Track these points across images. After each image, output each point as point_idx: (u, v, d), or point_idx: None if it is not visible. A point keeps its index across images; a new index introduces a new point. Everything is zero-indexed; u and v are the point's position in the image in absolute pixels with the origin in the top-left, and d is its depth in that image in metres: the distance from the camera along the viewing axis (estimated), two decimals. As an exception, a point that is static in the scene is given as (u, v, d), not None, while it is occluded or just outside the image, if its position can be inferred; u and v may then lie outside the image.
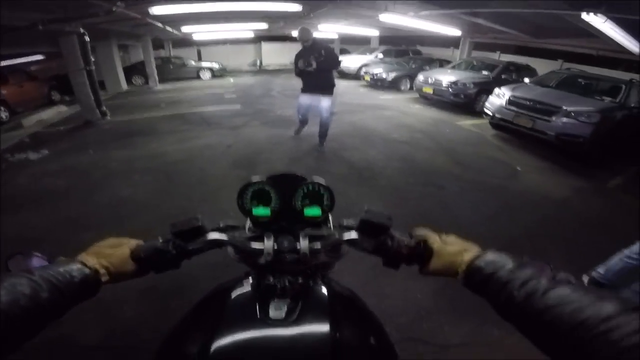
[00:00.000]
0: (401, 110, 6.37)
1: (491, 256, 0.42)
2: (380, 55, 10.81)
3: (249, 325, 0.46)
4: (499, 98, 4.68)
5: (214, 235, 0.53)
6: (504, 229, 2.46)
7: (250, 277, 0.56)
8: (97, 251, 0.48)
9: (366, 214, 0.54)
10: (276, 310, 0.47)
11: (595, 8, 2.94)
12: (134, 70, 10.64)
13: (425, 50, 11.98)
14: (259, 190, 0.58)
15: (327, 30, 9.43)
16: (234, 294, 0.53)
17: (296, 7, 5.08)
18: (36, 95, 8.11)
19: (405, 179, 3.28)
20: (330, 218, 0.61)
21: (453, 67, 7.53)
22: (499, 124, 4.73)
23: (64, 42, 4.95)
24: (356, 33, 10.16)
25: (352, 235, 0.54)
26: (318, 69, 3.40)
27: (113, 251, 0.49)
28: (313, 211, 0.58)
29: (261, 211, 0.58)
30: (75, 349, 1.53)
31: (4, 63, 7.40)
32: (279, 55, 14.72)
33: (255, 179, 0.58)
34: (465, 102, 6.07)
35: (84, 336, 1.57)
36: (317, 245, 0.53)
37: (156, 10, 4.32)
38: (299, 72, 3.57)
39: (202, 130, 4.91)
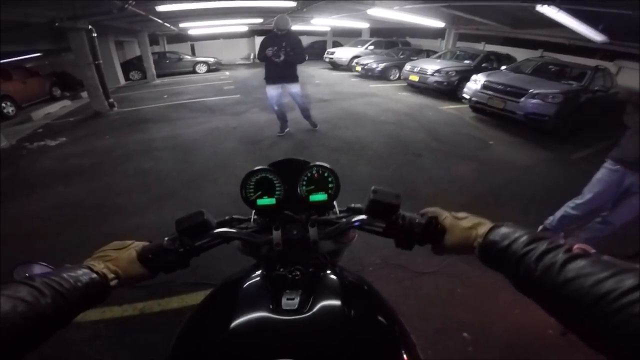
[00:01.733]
0: (389, 97, 6.86)
1: (505, 229, 0.42)
2: (371, 47, 11.22)
3: (262, 317, 0.45)
4: (475, 83, 5.18)
5: (220, 230, 0.53)
6: (472, 187, 2.95)
7: (259, 269, 0.54)
8: (102, 255, 0.47)
9: (374, 194, 0.51)
10: (289, 301, 0.46)
11: (547, 0, 3.41)
12: (130, 65, 10.91)
13: (415, 42, 12.44)
14: (262, 179, 0.57)
15: (319, 23, 9.82)
16: (245, 286, 0.51)
17: (291, 4, 5.49)
18: (39, 91, 8.37)
19: (389, 150, 3.79)
20: (335, 203, 0.60)
21: (438, 57, 7.99)
22: (475, 106, 5.25)
23: (73, 38, 5.28)
24: (348, 26, 10.56)
25: (361, 218, 0.53)
26: (285, 61, 3.46)
27: (119, 254, 0.48)
28: (319, 197, 0.57)
29: (266, 201, 0.57)
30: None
31: (6, 60, 7.65)
32: None
33: (257, 168, 0.57)
34: (448, 89, 6.56)
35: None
36: (326, 231, 0.53)
37: (162, 7, 4.68)
38: (264, 58, 3.53)
39: (208, 117, 5.34)
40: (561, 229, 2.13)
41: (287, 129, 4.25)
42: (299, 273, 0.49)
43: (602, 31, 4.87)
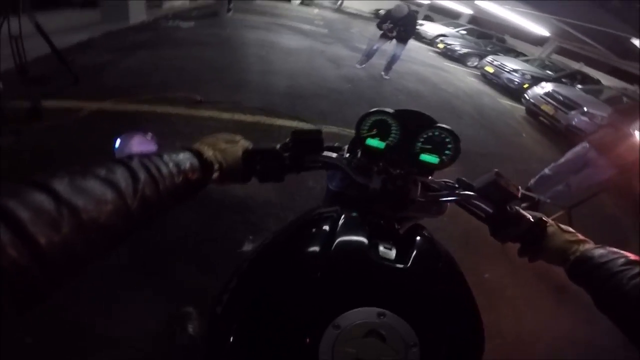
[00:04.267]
0: (457, 76, 7.36)
1: (606, 249, 0.41)
2: (463, 32, 11.05)
3: (360, 261, 0.40)
4: (541, 89, 5.55)
5: (329, 154, 0.52)
6: (490, 148, 3.79)
7: (351, 209, 0.49)
8: (213, 142, 0.45)
9: (497, 177, 0.50)
10: (386, 250, 0.42)
11: None
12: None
13: (512, 42, 11.87)
14: (380, 121, 0.55)
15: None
16: (342, 220, 0.45)
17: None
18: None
19: (438, 105, 4.70)
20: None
21: (526, 60, 8.01)
22: (530, 108, 5.68)
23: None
24: (450, 7, 10.35)
25: (470, 194, 0.51)
26: (396, 36, 4.58)
27: (228, 146, 0.46)
28: (430, 158, 0.54)
29: (375, 143, 0.54)
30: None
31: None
32: (360, 1, 15.08)
33: (380, 109, 0.55)
34: (516, 89, 6.82)
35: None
36: (430, 195, 0.51)
37: None
38: (380, 28, 4.65)
39: (303, 39, 6.44)
40: (538, 188, 2.73)
41: (364, 65, 5.23)
42: (396, 224, 0.48)
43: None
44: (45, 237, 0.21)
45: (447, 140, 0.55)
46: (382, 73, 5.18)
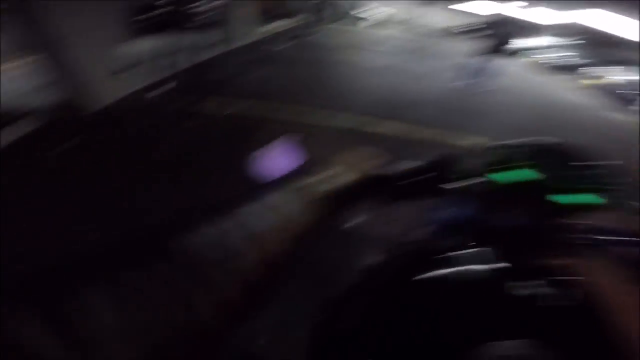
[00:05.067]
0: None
1: None
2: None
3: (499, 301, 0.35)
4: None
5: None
6: None
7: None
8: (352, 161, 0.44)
9: None
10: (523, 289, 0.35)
11: None
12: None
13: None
14: (539, 149, 0.45)
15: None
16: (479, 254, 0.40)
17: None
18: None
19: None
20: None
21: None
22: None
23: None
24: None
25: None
26: (495, 48, 4.40)
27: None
28: (590, 198, 0.42)
29: (530, 174, 0.42)
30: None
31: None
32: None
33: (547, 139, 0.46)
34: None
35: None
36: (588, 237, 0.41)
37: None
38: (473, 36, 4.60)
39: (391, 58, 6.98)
40: None
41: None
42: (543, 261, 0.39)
43: None
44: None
45: (608, 179, 0.42)
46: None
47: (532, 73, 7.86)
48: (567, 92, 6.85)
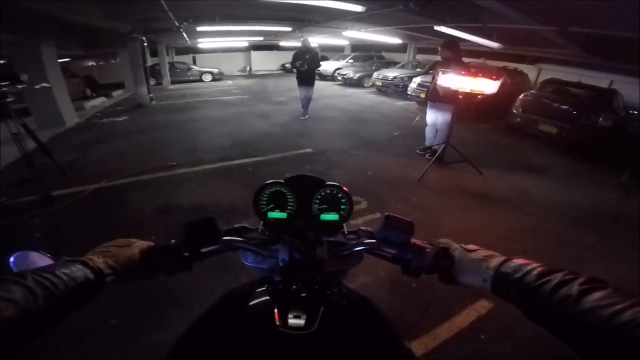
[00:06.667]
0: (359, 97, 9.24)
1: (517, 262, 0.43)
2: (351, 61, 13.69)
3: (268, 334, 0.44)
4: (414, 83, 7.53)
5: (228, 238, 0.53)
6: (393, 132, 5.07)
7: (264, 284, 0.52)
8: (103, 251, 0.47)
9: (387, 221, 0.53)
10: (295, 319, 0.44)
11: (441, 22, 5.53)
12: (149, 71, 12.70)
13: (389, 56, 14.94)
14: (275, 193, 0.58)
15: (310, 42, 12.15)
16: (250, 301, 0.49)
17: (288, 29, 7.79)
18: (77, 89, 10.14)
19: (349, 120, 6.13)
20: (345, 225, 0.60)
21: (401, 67, 10.43)
22: (412, 98, 7.59)
23: (131, 45, 7.27)
24: (332, 43, 12.96)
25: (371, 242, 0.54)
26: (307, 69, 5.46)
27: (121, 250, 0.49)
28: (330, 217, 0.58)
29: (277, 215, 0.57)
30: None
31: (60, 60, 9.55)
32: (267, 62, 17.39)
33: (272, 181, 0.57)
34: (402, 90, 8.88)
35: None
36: (334, 252, 0.53)
37: (201, 28, 6.85)
38: (294, 67, 5.52)
39: (228, 107, 7.51)
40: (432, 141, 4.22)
41: (307, 116, 6.19)
42: (305, 290, 0.48)
43: (496, 40, 7.06)
44: None
45: (340, 196, 0.59)
46: (301, 118, 6.12)
47: (341, 88, 10.69)
48: (365, 95, 9.67)
